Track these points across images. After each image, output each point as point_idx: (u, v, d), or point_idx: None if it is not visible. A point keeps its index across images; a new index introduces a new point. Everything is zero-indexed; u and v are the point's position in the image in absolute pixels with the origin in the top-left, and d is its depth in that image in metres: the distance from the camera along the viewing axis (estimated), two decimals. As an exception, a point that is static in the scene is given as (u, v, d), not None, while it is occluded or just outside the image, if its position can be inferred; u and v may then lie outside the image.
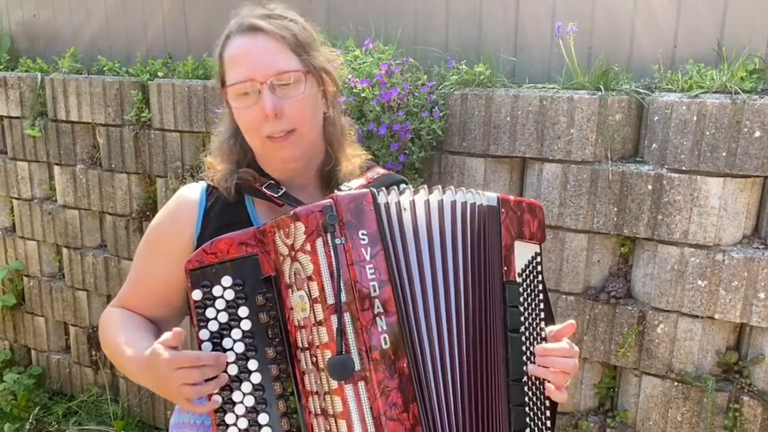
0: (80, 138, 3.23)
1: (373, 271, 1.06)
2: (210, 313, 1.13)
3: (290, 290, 1.10)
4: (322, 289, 1.05)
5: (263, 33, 1.22)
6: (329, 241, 1.04)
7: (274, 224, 1.11)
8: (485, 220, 1.18)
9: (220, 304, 1.13)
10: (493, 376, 1.15)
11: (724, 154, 1.89)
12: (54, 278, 3.56)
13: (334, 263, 1.04)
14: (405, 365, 1.06)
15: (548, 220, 2.18)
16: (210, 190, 1.32)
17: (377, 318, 1.05)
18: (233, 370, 1.12)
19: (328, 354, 1.05)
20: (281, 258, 1.10)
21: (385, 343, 1.05)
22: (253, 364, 1.13)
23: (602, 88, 2.08)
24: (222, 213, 1.29)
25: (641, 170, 2.03)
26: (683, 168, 1.95)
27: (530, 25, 2.37)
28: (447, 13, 2.52)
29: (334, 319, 1.04)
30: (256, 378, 1.13)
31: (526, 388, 1.18)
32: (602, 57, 2.19)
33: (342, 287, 1.03)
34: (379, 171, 1.38)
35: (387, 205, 1.10)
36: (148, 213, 3.09)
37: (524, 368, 1.18)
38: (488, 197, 1.20)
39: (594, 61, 2.22)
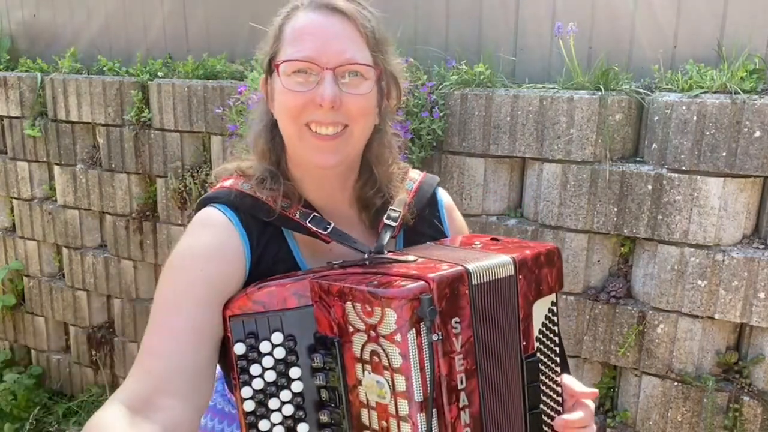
0: (80, 138, 3.23)
1: (462, 362, 0.97)
2: (255, 370, 1.00)
3: (360, 365, 0.98)
4: (410, 385, 0.93)
5: (341, 15, 1.06)
6: (423, 335, 0.92)
7: (348, 291, 0.96)
8: (502, 297, 1.03)
9: (267, 362, 1.01)
10: None
11: (724, 154, 1.89)
12: (54, 278, 3.56)
13: (426, 361, 0.92)
14: None
15: (548, 220, 2.18)
16: (242, 220, 1.09)
17: (462, 411, 0.97)
18: None
19: None
20: (351, 328, 0.98)
21: None
22: (302, 428, 1.02)
23: (602, 88, 2.08)
24: (265, 249, 1.10)
25: (641, 170, 2.03)
26: (683, 168, 1.95)
27: (530, 25, 2.37)
28: (447, 13, 2.52)
29: (420, 418, 0.93)
30: None
31: None
32: (602, 57, 2.19)
33: (431, 385, 0.93)
34: (413, 177, 1.27)
35: (480, 286, 0.99)
36: (148, 213, 3.09)
37: None
38: (502, 263, 1.03)
39: (594, 61, 2.22)
